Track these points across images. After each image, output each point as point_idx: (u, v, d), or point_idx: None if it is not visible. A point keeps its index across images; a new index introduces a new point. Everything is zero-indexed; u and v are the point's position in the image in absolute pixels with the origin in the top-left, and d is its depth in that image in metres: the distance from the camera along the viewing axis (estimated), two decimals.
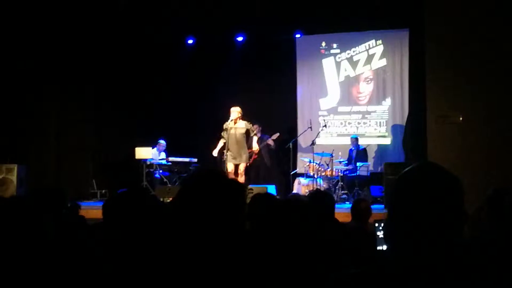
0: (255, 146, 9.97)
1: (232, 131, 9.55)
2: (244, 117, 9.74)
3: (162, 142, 11.26)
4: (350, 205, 4.97)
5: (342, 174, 10.38)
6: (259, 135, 10.79)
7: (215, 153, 9.94)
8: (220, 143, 9.78)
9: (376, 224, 3.81)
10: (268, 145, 10.77)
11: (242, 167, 9.72)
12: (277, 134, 10.82)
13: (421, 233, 1.37)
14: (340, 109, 11.86)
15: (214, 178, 1.67)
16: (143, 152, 10.67)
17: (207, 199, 1.62)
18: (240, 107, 9.71)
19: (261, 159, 10.83)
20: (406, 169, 1.47)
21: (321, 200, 4.11)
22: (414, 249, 1.37)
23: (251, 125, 9.80)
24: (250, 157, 10.23)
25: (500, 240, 1.86)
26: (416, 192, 1.41)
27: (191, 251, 1.59)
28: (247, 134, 9.77)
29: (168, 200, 7.33)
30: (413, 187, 1.42)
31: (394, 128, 11.40)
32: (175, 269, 1.58)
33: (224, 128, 9.63)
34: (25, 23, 9.84)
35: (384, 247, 3.56)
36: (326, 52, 11.99)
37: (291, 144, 10.70)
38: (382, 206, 8.98)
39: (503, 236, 1.87)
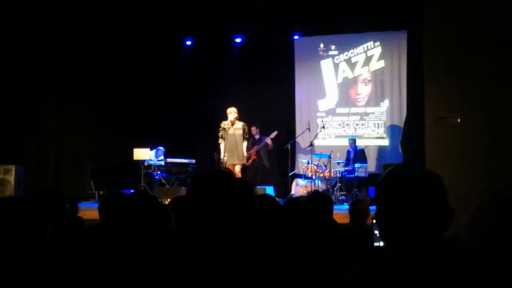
0: (244, 153, 9.85)
1: (231, 132, 9.57)
2: (241, 118, 9.74)
3: (161, 149, 11.30)
4: (348, 206, 4.97)
5: (340, 175, 10.38)
6: (257, 136, 10.76)
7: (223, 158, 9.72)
8: (222, 146, 9.73)
9: (374, 221, 3.80)
10: (267, 144, 10.70)
11: (238, 168, 9.70)
12: (275, 133, 10.71)
13: (408, 233, 1.38)
14: (338, 110, 11.87)
15: (224, 178, 1.68)
16: (141, 153, 10.67)
17: (217, 198, 1.62)
18: (237, 108, 9.71)
19: (260, 160, 10.81)
20: (383, 174, 1.50)
21: (319, 201, 4.11)
22: (404, 250, 1.38)
23: (246, 125, 9.80)
24: (248, 158, 10.22)
25: (499, 240, 1.86)
26: (395, 194, 1.43)
27: (195, 250, 1.59)
28: (244, 135, 9.75)
29: (167, 201, 7.33)
30: (392, 191, 1.45)
31: (392, 130, 11.41)
32: (175, 269, 1.58)
33: (222, 128, 9.62)
34: (25, 23, 9.83)
35: (381, 243, 3.57)
36: (324, 54, 12.00)
37: (289, 145, 10.71)
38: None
39: (502, 237, 1.87)
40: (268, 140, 10.64)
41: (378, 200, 1.48)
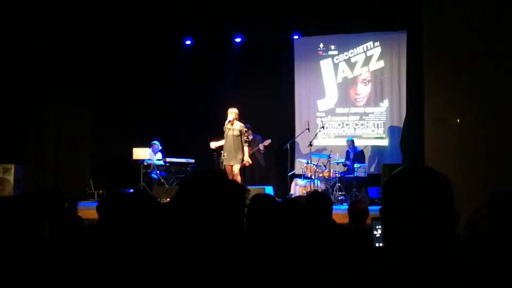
0: (246, 158, 9.60)
1: (229, 133, 9.53)
2: (240, 118, 9.70)
3: (156, 143, 11.21)
4: (348, 206, 4.97)
5: (339, 175, 10.37)
6: (251, 137, 10.73)
7: (212, 145, 9.90)
8: (221, 142, 9.74)
9: (373, 222, 3.81)
10: (259, 149, 10.73)
11: (236, 168, 9.61)
12: (269, 141, 10.75)
13: (412, 234, 1.37)
14: (338, 110, 11.87)
15: (214, 179, 1.66)
16: (140, 153, 10.64)
17: (207, 199, 1.61)
18: (237, 108, 9.68)
19: (255, 161, 10.79)
20: (394, 171, 1.48)
21: (318, 201, 4.11)
22: (407, 250, 1.38)
23: (244, 127, 9.71)
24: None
25: (499, 241, 1.86)
26: (404, 193, 1.42)
27: (188, 251, 1.58)
28: (241, 137, 9.65)
29: (166, 201, 7.33)
30: (402, 189, 1.43)
31: (392, 130, 11.41)
32: (172, 269, 1.58)
33: (224, 129, 9.61)
34: (25, 23, 9.83)
35: (381, 245, 3.58)
36: (324, 54, 12.00)
37: (288, 145, 10.71)
38: (380, 207, 8.97)
39: (502, 238, 1.87)
40: (261, 146, 10.67)
41: (385, 198, 1.47)
